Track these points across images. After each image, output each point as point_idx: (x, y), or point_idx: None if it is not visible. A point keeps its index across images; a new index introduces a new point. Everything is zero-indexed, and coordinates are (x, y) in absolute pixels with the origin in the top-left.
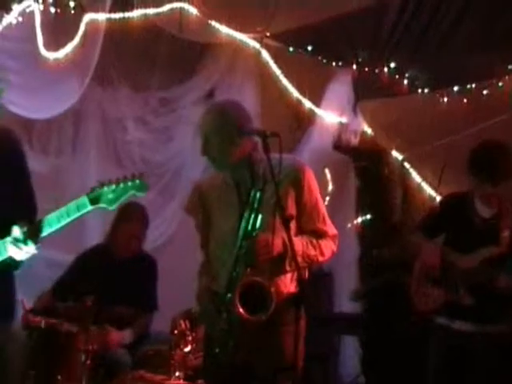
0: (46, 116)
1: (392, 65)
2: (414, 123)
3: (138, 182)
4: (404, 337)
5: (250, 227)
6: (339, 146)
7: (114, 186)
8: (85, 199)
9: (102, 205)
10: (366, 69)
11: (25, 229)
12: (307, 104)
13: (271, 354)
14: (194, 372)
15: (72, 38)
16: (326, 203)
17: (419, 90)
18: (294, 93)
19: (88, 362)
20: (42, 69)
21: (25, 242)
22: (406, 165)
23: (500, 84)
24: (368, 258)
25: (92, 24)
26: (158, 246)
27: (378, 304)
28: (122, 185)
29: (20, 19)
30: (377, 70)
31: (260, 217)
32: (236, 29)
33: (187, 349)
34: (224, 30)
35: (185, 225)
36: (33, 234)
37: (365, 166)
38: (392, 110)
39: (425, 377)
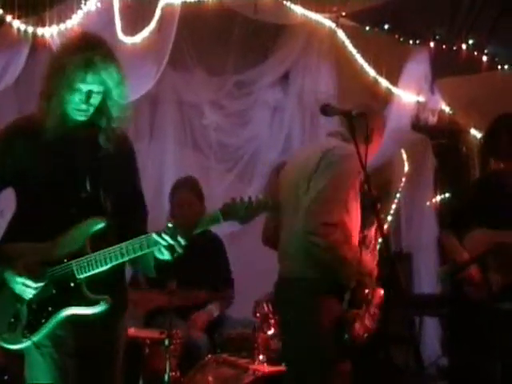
0: None
1: (470, 41)
2: (494, 100)
3: (270, 201)
4: (488, 318)
5: None
6: (417, 125)
7: (246, 204)
8: (218, 214)
9: (234, 220)
10: (444, 46)
11: (175, 223)
12: (384, 83)
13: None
14: (277, 355)
15: (148, 23)
16: (403, 183)
17: (499, 67)
18: (371, 72)
19: (172, 346)
20: (120, 54)
21: (173, 235)
22: None
23: None
24: None
25: (167, 8)
26: (237, 230)
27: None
28: (254, 204)
29: (99, 5)
30: (455, 47)
31: None
32: (311, 9)
33: (270, 332)
34: (299, 10)
35: None
36: (185, 229)
37: (443, 145)
38: (471, 87)
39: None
